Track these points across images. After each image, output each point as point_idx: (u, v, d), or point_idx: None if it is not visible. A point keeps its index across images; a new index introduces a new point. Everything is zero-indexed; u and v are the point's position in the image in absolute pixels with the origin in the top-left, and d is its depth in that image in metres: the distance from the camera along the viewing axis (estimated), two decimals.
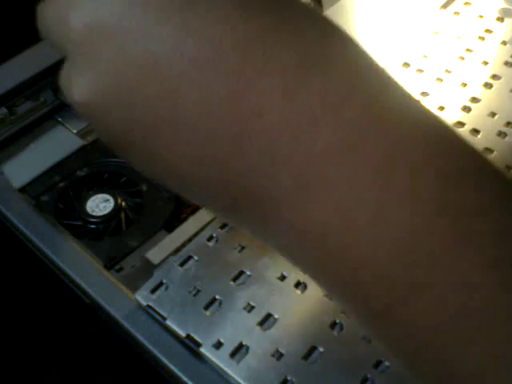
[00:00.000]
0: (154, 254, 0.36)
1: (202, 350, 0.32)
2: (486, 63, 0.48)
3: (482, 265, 0.17)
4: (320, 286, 0.20)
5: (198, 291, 0.34)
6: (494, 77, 0.46)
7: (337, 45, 0.19)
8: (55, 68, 0.48)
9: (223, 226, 0.37)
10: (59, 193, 0.40)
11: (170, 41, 0.18)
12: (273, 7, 0.19)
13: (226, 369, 0.31)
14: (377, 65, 0.19)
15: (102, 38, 0.19)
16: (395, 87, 0.19)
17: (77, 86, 0.20)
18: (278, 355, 0.31)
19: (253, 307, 0.33)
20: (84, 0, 0.19)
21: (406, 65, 0.48)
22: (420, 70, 0.47)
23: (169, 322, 0.33)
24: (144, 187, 0.40)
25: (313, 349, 0.32)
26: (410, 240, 0.17)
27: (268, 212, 0.19)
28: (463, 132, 0.43)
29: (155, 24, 0.18)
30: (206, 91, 0.18)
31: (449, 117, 0.44)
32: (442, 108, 0.44)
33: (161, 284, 0.34)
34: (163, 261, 0.36)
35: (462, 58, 0.48)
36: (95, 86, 0.19)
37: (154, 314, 0.33)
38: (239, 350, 0.32)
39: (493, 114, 0.44)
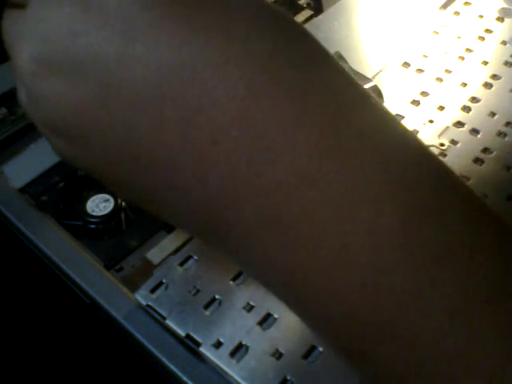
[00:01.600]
0: (154, 253, 0.36)
1: (202, 349, 0.32)
2: (485, 63, 0.48)
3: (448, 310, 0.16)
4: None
5: (198, 291, 0.34)
6: (494, 77, 0.46)
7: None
8: None
9: None
10: (59, 193, 0.40)
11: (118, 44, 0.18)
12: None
13: (225, 368, 0.31)
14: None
15: (50, 73, 0.19)
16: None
17: (35, 116, 0.21)
18: (278, 355, 0.31)
19: (252, 307, 0.33)
20: (31, 35, 0.19)
21: (406, 65, 0.48)
22: (420, 70, 0.47)
23: (168, 322, 0.33)
24: None
25: (312, 348, 0.32)
26: (373, 279, 0.16)
27: (232, 243, 0.18)
28: (463, 132, 0.43)
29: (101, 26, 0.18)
30: (156, 119, 0.17)
31: (449, 117, 0.44)
32: (442, 108, 0.44)
33: (160, 284, 0.34)
34: (163, 261, 0.36)
35: (462, 58, 0.48)
36: (51, 119, 0.20)
37: (154, 314, 0.33)
38: (239, 350, 0.32)
39: (492, 114, 0.44)
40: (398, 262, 0.16)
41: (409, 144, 0.18)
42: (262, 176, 0.17)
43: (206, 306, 0.33)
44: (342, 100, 0.18)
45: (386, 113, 0.18)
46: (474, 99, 0.45)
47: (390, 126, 0.18)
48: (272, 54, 0.17)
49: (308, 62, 0.18)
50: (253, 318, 0.33)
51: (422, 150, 0.18)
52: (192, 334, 0.32)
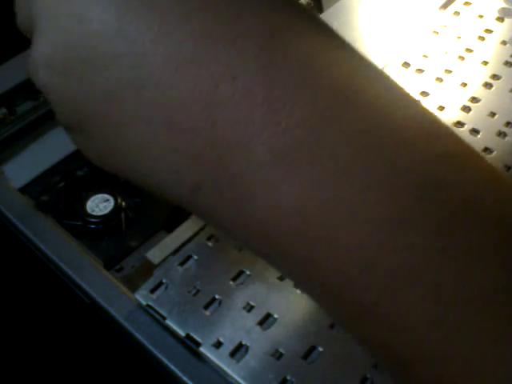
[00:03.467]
0: (154, 253, 0.36)
1: (202, 349, 0.32)
2: (485, 63, 0.48)
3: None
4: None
5: (198, 291, 0.34)
6: (494, 77, 0.46)
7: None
8: None
9: None
10: (59, 193, 0.40)
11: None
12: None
13: (225, 368, 0.31)
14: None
15: (60, 9, 0.19)
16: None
17: (36, 50, 0.20)
18: (278, 355, 0.31)
19: (252, 307, 0.33)
20: None
21: (406, 65, 0.48)
22: (420, 70, 0.47)
23: (168, 322, 0.33)
24: None
25: (312, 348, 0.32)
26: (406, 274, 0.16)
27: (237, 196, 0.18)
28: (463, 132, 0.43)
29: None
30: (173, 49, 0.18)
31: (449, 117, 0.44)
32: (442, 108, 0.44)
33: (160, 284, 0.34)
34: (163, 261, 0.36)
35: (462, 58, 0.48)
36: (58, 44, 0.20)
37: (154, 314, 0.33)
38: (239, 350, 0.32)
39: (493, 114, 0.44)
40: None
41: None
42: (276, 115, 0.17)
43: (206, 306, 0.33)
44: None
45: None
46: (474, 99, 0.45)
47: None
48: None
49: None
50: (253, 318, 0.33)
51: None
52: (192, 334, 0.32)
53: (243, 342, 0.32)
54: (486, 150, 0.41)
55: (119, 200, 0.39)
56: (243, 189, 0.18)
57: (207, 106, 0.17)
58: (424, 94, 0.45)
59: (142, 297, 0.34)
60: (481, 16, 0.52)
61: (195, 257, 0.35)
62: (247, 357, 0.31)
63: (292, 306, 0.33)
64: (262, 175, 0.17)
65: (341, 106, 0.17)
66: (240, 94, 0.17)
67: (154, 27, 0.18)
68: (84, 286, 0.35)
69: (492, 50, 0.49)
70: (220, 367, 0.31)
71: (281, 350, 0.32)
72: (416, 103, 0.19)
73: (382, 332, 0.17)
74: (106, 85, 0.19)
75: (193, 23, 0.18)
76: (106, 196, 0.39)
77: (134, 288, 0.34)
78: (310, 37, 0.19)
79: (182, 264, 0.35)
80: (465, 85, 0.46)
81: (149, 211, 0.39)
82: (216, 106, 0.17)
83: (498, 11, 0.52)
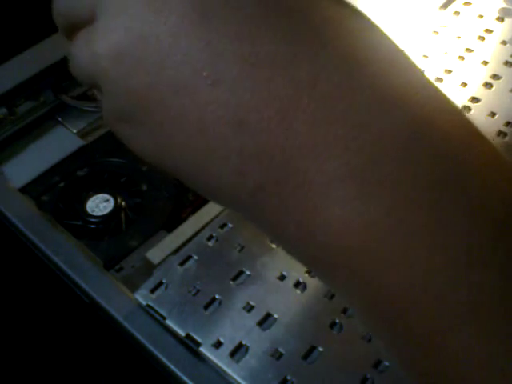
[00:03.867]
0: (154, 253, 0.36)
1: (202, 349, 0.32)
2: (485, 63, 0.48)
3: None
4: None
5: (198, 291, 0.34)
6: (494, 77, 0.46)
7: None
8: (55, 68, 0.48)
9: (223, 226, 0.37)
10: (59, 193, 0.40)
11: None
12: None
13: (225, 368, 0.31)
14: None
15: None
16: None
17: (104, 38, 0.19)
18: (278, 355, 0.31)
19: (252, 307, 0.33)
20: None
21: None
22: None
23: (168, 322, 0.33)
24: (144, 187, 0.40)
25: (312, 348, 0.32)
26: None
27: (300, 204, 0.17)
28: None
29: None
30: (249, 47, 0.17)
31: None
32: None
33: (160, 284, 0.34)
34: (163, 261, 0.36)
35: (462, 58, 0.48)
36: (127, 37, 0.19)
37: (154, 314, 0.33)
38: (239, 350, 0.32)
39: (493, 114, 0.44)
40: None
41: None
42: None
43: (206, 306, 0.33)
44: None
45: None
46: (474, 99, 0.45)
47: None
48: None
49: None
50: (253, 318, 0.33)
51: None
52: (192, 333, 0.32)
53: (243, 342, 0.32)
54: None
55: (119, 200, 0.39)
56: (308, 199, 0.17)
57: (282, 111, 0.17)
58: None
59: (141, 297, 0.34)
60: (481, 16, 0.52)
61: (195, 257, 0.35)
62: (247, 357, 0.31)
63: (292, 306, 0.33)
64: (332, 189, 0.17)
65: (422, 130, 0.17)
66: (318, 102, 0.17)
67: (234, 25, 0.18)
68: (84, 286, 0.35)
69: (492, 50, 0.49)
70: (220, 367, 0.31)
71: (281, 350, 0.32)
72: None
73: (438, 361, 0.17)
74: (177, 78, 0.18)
75: (277, 25, 0.18)
76: (106, 196, 0.39)
77: (134, 288, 0.34)
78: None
79: (181, 264, 0.35)
80: (465, 85, 0.46)
81: (149, 211, 0.39)
82: (291, 112, 0.17)
83: (498, 11, 0.52)
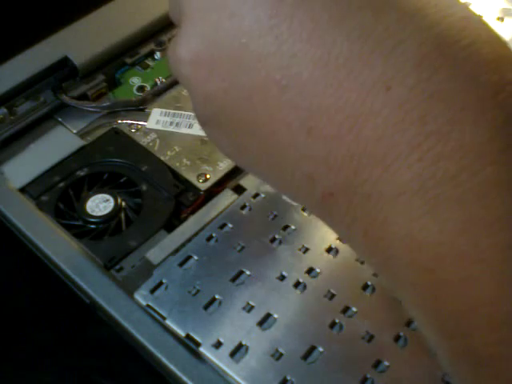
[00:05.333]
0: (154, 253, 0.36)
1: (202, 349, 0.32)
2: None
3: None
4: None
5: (198, 291, 0.34)
6: None
7: None
8: (55, 68, 0.48)
9: (223, 226, 0.37)
10: (59, 193, 0.40)
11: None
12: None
13: (225, 368, 0.31)
14: None
15: (212, 4, 0.19)
16: None
17: (184, 43, 0.20)
18: (278, 355, 0.32)
19: (252, 307, 0.33)
20: None
21: None
22: None
23: (168, 322, 0.33)
24: (144, 187, 0.40)
25: (312, 349, 0.32)
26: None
27: (369, 212, 0.17)
28: None
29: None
30: (325, 51, 0.17)
31: None
32: None
33: (160, 284, 0.34)
34: (163, 261, 0.36)
35: None
36: (204, 44, 0.19)
37: (154, 314, 0.33)
38: (239, 350, 0.32)
39: None
40: None
41: None
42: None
43: (206, 306, 0.33)
44: None
45: None
46: None
47: None
48: None
49: None
50: (253, 318, 0.33)
51: None
52: (192, 334, 0.32)
53: (243, 342, 0.32)
54: None
55: (119, 200, 0.39)
56: (376, 210, 0.17)
57: (353, 116, 0.16)
58: None
59: (141, 297, 0.34)
60: (481, 16, 0.52)
61: (195, 257, 0.35)
62: (247, 357, 0.31)
63: (292, 306, 0.33)
64: (402, 202, 0.16)
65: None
66: (391, 107, 0.16)
67: (306, 27, 0.17)
68: (84, 286, 0.35)
69: None
70: (220, 367, 0.31)
71: (281, 350, 0.32)
72: None
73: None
74: (250, 83, 0.18)
75: (350, 24, 0.17)
76: (106, 196, 0.39)
77: (133, 288, 0.34)
78: None
79: (181, 264, 0.35)
80: None
81: (149, 211, 0.39)
82: (363, 117, 0.16)
83: (499, 11, 0.52)
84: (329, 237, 0.35)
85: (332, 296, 0.33)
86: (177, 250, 0.36)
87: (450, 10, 0.18)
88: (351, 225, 0.18)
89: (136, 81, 0.47)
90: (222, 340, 0.32)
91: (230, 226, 0.37)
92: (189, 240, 0.37)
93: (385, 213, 0.17)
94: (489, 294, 0.16)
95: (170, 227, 0.38)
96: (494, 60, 0.16)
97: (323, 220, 0.20)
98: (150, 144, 0.42)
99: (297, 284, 0.34)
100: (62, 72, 0.44)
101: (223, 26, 0.19)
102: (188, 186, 0.40)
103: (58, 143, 0.43)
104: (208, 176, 0.40)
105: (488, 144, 0.15)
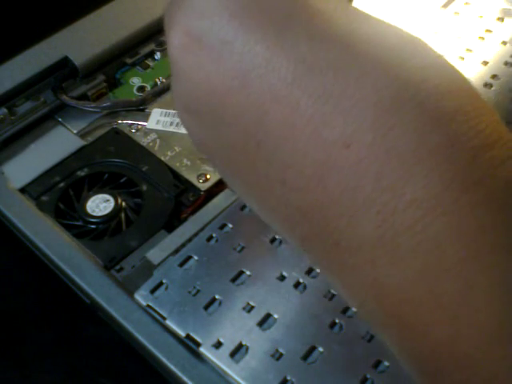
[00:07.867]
0: (154, 253, 0.36)
1: (202, 349, 0.32)
2: (485, 63, 0.48)
3: None
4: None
5: (198, 291, 0.34)
6: (494, 77, 0.46)
7: None
8: (55, 68, 0.48)
9: (223, 226, 0.37)
10: (59, 193, 0.40)
11: (262, 56, 0.18)
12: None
13: (225, 368, 0.31)
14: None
15: (199, 47, 0.20)
16: None
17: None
18: (278, 355, 0.31)
19: (252, 307, 0.33)
20: (188, 10, 0.20)
21: None
22: None
23: (168, 322, 0.33)
24: (144, 187, 0.40)
25: (312, 349, 0.32)
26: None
27: (340, 258, 0.18)
28: None
29: (250, 38, 0.19)
30: (291, 110, 0.18)
31: None
32: None
33: (161, 284, 0.34)
34: (163, 261, 0.36)
35: (462, 58, 0.48)
36: (189, 95, 0.21)
37: (154, 314, 0.33)
38: (239, 350, 0.32)
39: None
40: None
41: None
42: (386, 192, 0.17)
43: (206, 306, 0.33)
44: None
45: None
46: None
47: None
48: None
49: None
50: (253, 319, 0.33)
51: None
52: (192, 334, 0.32)
53: (243, 343, 0.32)
54: None
55: (119, 200, 0.39)
56: (345, 257, 0.18)
57: (319, 171, 0.17)
58: None
59: (141, 297, 0.34)
60: (481, 16, 0.52)
61: (195, 257, 0.35)
62: (247, 357, 0.31)
63: (292, 306, 0.33)
64: (367, 251, 0.17)
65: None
66: (351, 163, 0.17)
67: (274, 86, 0.18)
68: (84, 286, 0.35)
69: (492, 50, 0.49)
70: (220, 367, 0.31)
71: (281, 351, 0.32)
72: None
73: None
74: (231, 136, 0.20)
75: (312, 84, 0.18)
76: (106, 196, 0.39)
77: (134, 288, 0.34)
78: None
79: (181, 264, 0.35)
80: None
81: (149, 211, 0.39)
82: (327, 172, 0.17)
83: (499, 11, 0.52)
84: None
85: (332, 296, 0.33)
86: (177, 250, 0.36)
87: (411, 61, 0.18)
88: (327, 268, 0.20)
89: (136, 81, 0.47)
90: (222, 340, 0.32)
91: (230, 226, 0.37)
92: (189, 240, 0.37)
93: (353, 260, 0.18)
94: (447, 337, 0.16)
95: (170, 227, 0.38)
96: (448, 113, 0.17)
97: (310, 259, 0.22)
98: (151, 144, 0.42)
99: (297, 284, 0.34)
100: (63, 72, 0.44)
101: (201, 86, 0.20)
102: (188, 186, 0.40)
103: (58, 143, 0.43)
104: (208, 176, 0.40)
105: (440, 196, 0.16)
